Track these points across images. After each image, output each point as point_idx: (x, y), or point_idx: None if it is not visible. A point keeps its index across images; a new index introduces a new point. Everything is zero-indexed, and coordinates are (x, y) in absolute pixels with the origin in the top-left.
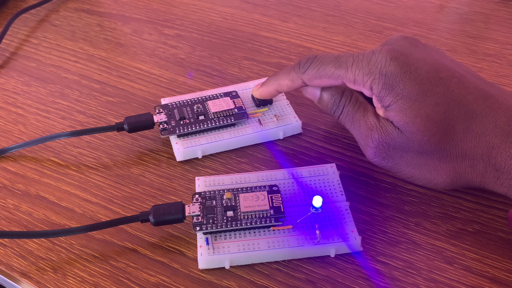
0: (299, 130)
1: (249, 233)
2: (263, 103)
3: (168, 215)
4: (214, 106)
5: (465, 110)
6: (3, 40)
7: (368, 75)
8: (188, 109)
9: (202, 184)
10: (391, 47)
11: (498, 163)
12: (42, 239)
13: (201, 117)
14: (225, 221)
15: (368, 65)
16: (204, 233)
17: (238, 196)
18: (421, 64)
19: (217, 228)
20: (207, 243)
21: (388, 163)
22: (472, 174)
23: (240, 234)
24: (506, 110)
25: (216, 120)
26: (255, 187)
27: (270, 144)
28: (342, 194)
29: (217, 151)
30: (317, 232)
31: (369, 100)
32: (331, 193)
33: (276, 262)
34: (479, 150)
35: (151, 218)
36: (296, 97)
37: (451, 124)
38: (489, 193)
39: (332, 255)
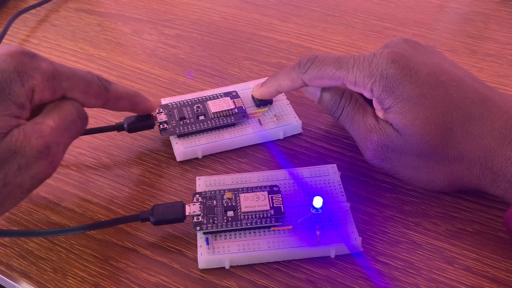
0: (299, 130)
1: (249, 233)
2: (263, 103)
3: (169, 214)
4: (214, 106)
5: (464, 113)
6: (3, 40)
7: (369, 77)
8: (188, 109)
9: (202, 184)
10: (391, 50)
11: (494, 166)
12: (42, 239)
13: (201, 117)
14: (225, 221)
15: (369, 67)
16: (204, 233)
17: (238, 196)
18: (421, 67)
19: (217, 228)
20: (207, 243)
21: (386, 164)
22: (469, 177)
23: (240, 234)
24: (503, 113)
25: (216, 120)
26: (256, 187)
27: (270, 144)
28: (342, 195)
29: (217, 151)
30: (318, 233)
31: (369, 101)
32: (332, 193)
33: (276, 262)
34: (477, 153)
35: (151, 217)
36: (296, 97)
37: (449, 127)
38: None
39: (332, 256)
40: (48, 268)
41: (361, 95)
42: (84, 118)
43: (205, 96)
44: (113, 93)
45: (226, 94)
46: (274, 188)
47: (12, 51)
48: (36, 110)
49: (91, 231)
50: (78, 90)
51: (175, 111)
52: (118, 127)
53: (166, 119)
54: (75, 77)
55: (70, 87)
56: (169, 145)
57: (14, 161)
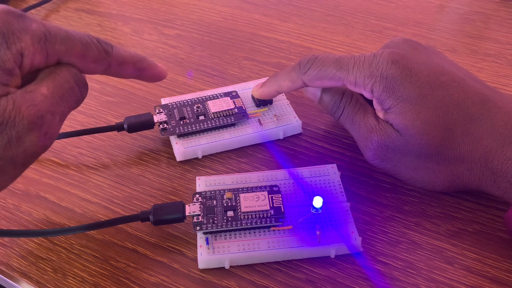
0: (299, 130)
1: (249, 233)
2: (263, 103)
3: (169, 214)
4: (214, 106)
5: (464, 113)
6: None
7: (369, 77)
8: (188, 109)
9: (202, 183)
10: (392, 50)
11: (495, 166)
12: (42, 239)
13: (201, 117)
14: (225, 221)
15: (370, 67)
16: (204, 233)
17: (238, 196)
18: (422, 67)
19: (217, 228)
20: (207, 243)
21: (386, 165)
22: (470, 177)
23: (240, 234)
24: (504, 114)
25: (216, 120)
26: (256, 187)
27: (270, 144)
28: (342, 195)
29: (217, 151)
30: (318, 233)
31: (370, 101)
32: (332, 193)
33: (276, 262)
34: (477, 153)
35: (151, 217)
36: (296, 97)
37: (450, 128)
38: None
39: (332, 256)
40: (48, 268)
41: (362, 95)
42: (83, 85)
43: (205, 96)
44: (115, 58)
45: (226, 94)
46: (274, 188)
47: None
48: (30, 78)
49: (91, 231)
50: (75, 54)
51: (175, 111)
52: (118, 127)
53: (166, 119)
54: (70, 40)
55: (65, 51)
56: (169, 145)
57: (3, 134)
